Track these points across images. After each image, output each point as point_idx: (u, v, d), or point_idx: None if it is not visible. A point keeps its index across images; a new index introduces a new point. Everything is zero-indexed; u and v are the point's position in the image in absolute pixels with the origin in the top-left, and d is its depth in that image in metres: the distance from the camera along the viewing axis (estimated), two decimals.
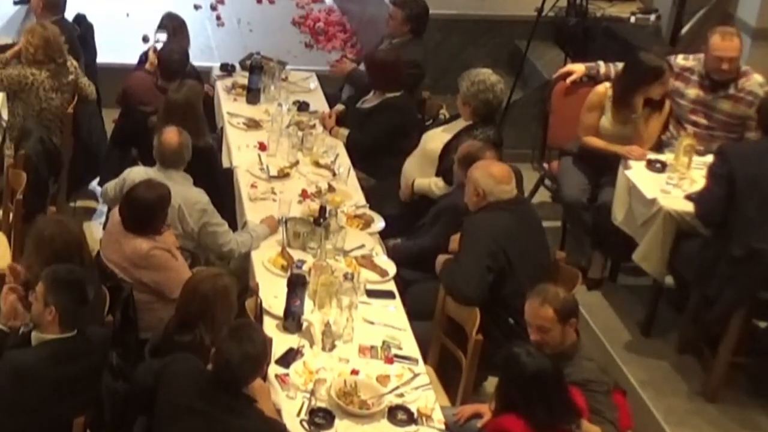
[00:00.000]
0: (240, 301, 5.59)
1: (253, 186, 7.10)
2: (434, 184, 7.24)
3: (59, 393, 4.91)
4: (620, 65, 7.73)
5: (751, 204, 6.30)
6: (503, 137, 7.42)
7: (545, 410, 4.78)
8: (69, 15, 8.62)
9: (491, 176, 6.17)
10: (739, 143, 7.19)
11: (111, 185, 6.82)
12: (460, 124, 7.40)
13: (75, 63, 7.95)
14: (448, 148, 7.19)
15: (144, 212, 6.04)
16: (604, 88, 7.56)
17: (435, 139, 7.43)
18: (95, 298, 5.46)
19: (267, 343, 4.99)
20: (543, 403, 4.79)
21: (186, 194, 6.42)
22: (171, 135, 6.56)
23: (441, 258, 6.25)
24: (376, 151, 7.75)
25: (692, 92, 7.45)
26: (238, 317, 5.38)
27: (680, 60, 7.57)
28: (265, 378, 5.01)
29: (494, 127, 7.30)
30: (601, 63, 7.97)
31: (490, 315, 5.95)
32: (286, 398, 5.23)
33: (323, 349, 5.61)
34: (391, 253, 6.57)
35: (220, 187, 7.12)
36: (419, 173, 7.36)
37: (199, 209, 6.43)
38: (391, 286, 6.26)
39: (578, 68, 8.08)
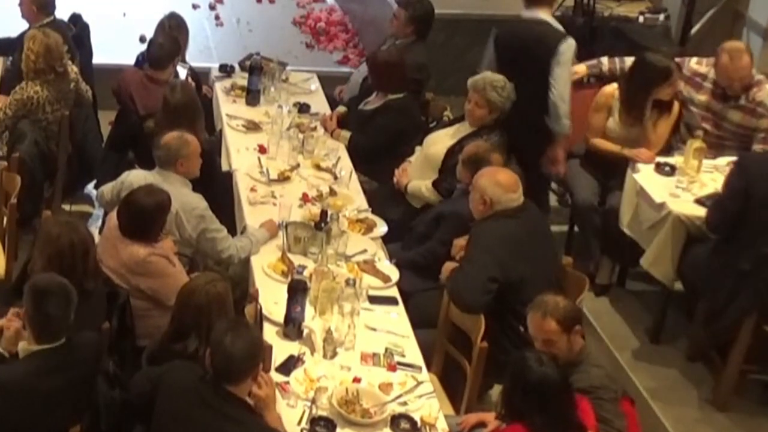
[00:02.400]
0: (239, 307, 5.61)
1: (252, 189, 7.11)
2: (425, 187, 7.26)
3: (50, 405, 4.92)
4: (627, 59, 7.76)
5: (764, 216, 6.30)
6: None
7: (545, 420, 4.77)
8: (64, 15, 8.64)
9: (498, 185, 6.16)
10: (760, 155, 7.15)
11: (108, 188, 6.84)
12: (464, 128, 7.41)
13: (75, 69, 7.96)
14: (452, 153, 7.20)
15: (142, 218, 6.04)
16: (612, 88, 7.57)
17: (437, 143, 7.44)
18: (94, 305, 5.49)
19: (261, 337, 5.00)
20: (543, 413, 4.77)
21: (184, 200, 6.43)
22: (172, 133, 6.59)
23: (448, 265, 6.25)
24: (379, 153, 7.76)
25: (703, 99, 7.45)
26: None
27: (693, 64, 7.56)
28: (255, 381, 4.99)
29: (500, 132, 7.31)
30: (603, 59, 7.99)
31: (498, 323, 5.97)
32: (287, 407, 5.24)
33: (324, 356, 5.62)
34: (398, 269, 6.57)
35: (219, 191, 7.13)
36: (420, 178, 7.37)
37: (197, 215, 6.44)
38: (394, 292, 6.27)
39: (579, 69, 8.09)
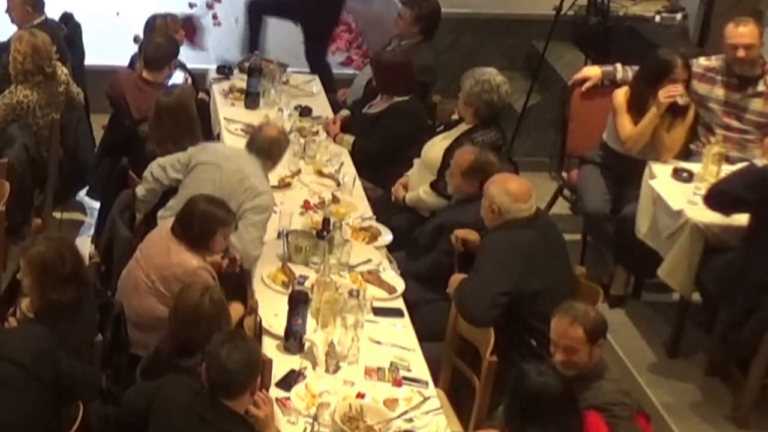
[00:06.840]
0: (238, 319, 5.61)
1: None
2: (423, 192, 7.27)
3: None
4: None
5: None
6: (515, 143, 7.44)
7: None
8: (55, 14, 8.65)
9: (508, 194, 6.17)
10: None
11: (171, 159, 6.80)
12: (460, 129, 7.42)
13: (65, 70, 7.97)
14: (448, 155, 7.21)
15: (206, 226, 5.99)
16: (625, 89, 7.58)
17: (434, 147, 7.45)
18: (85, 317, 5.50)
19: (259, 349, 5.03)
20: (541, 424, 4.76)
21: (253, 176, 6.50)
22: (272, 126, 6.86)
23: (456, 277, 6.25)
24: (384, 159, 7.77)
25: (720, 93, 7.49)
26: None
27: (702, 61, 7.61)
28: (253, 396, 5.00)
29: (496, 130, 7.33)
30: (618, 66, 8.00)
31: (509, 336, 5.97)
32: (288, 423, 5.25)
33: (327, 371, 5.63)
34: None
35: None
36: (422, 185, 7.38)
37: (252, 193, 6.45)
38: (399, 303, 6.28)
39: (594, 73, 8.10)
